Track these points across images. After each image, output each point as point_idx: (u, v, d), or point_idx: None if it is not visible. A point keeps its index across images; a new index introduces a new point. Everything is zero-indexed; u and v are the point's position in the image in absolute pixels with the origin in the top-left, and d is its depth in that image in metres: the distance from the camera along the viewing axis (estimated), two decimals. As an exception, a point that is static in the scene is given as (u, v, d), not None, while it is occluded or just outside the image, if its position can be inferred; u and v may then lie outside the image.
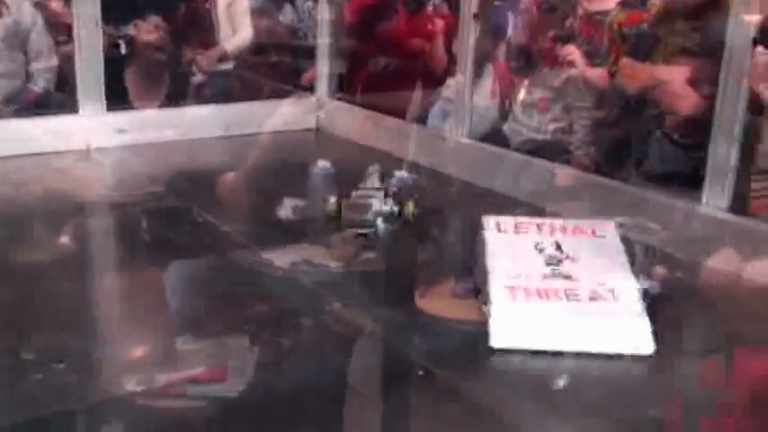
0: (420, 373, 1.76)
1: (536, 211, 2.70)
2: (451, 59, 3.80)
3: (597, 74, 3.51)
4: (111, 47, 4.15)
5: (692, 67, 3.01)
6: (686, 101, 2.94)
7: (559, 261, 1.89)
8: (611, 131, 3.47)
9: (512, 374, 1.77)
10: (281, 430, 1.56)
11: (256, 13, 5.06)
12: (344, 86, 4.10)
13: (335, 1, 4.02)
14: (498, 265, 1.92)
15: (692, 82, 2.95)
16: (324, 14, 4.00)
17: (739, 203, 2.45)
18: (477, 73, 3.53)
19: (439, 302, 2.07)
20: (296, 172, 3.18)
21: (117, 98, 3.62)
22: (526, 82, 3.80)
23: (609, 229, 2.07)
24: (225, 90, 4.62)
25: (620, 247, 2.00)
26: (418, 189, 2.82)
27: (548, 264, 1.89)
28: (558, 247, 1.94)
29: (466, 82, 3.23)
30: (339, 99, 3.93)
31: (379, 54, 4.50)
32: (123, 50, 4.39)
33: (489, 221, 2.14)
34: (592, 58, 3.57)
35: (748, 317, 2.08)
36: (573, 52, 3.57)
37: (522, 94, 3.79)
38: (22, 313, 1.97)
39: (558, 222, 2.08)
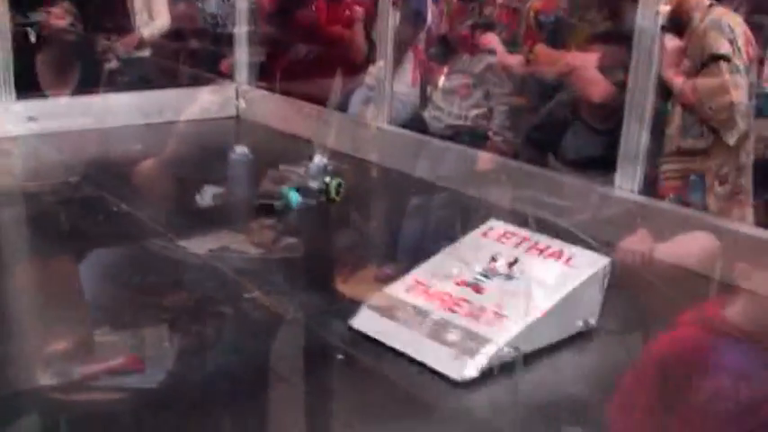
0: (340, 357, 1.77)
1: (456, 195, 2.74)
2: (372, 46, 3.80)
3: (515, 61, 3.57)
4: (20, 35, 4.02)
5: (603, 53, 3.07)
6: (598, 87, 3.01)
7: (494, 275, 1.83)
8: (529, 117, 3.53)
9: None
10: (200, 419, 1.55)
11: (174, -2, 4.96)
12: (265, 74, 4.06)
13: (254, -13, 3.98)
14: (439, 261, 1.92)
15: (604, 69, 3.02)
16: (241, 1, 3.96)
17: (650, 186, 2.52)
18: (398, 60, 3.55)
19: (361, 287, 2.08)
20: (216, 160, 3.13)
21: (29, 88, 3.52)
22: (446, 69, 3.83)
23: (587, 264, 1.84)
24: (141, 77, 4.53)
25: (577, 283, 1.80)
26: (339, 175, 2.82)
27: (481, 273, 1.85)
28: (512, 263, 1.85)
29: (386, 68, 3.24)
30: (259, 87, 3.90)
31: (299, 41, 4.47)
32: (33, 38, 4.26)
33: (486, 227, 2.00)
34: (510, 45, 3.62)
35: (658, 296, 2.14)
36: (492, 40, 3.62)
37: (442, 81, 3.83)
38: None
39: (544, 243, 1.90)
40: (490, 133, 3.62)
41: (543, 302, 1.75)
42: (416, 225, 2.73)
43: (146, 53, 4.79)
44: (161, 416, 1.54)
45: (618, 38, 2.94)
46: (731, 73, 2.60)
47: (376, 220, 2.86)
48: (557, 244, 1.90)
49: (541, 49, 3.33)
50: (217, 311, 1.97)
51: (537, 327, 1.73)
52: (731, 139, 2.63)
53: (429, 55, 3.95)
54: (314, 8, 4.62)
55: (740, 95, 2.60)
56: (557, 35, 3.42)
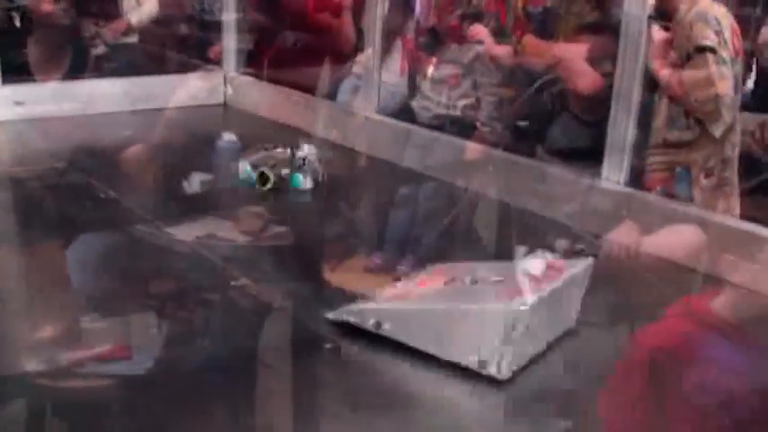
0: (328, 346, 1.77)
1: (444, 184, 2.74)
2: (360, 35, 3.79)
3: (504, 51, 3.56)
4: (4, 19, 3.99)
5: (591, 45, 3.07)
6: (586, 78, 3.01)
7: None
8: (517, 108, 3.53)
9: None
10: (187, 406, 1.55)
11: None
12: (253, 61, 4.04)
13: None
14: (434, 271, 1.94)
15: (592, 60, 3.02)
16: (230, -11, 3.94)
17: (637, 177, 2.53)
18: (386, 49, 3.54)
19: (349, 276, 2.08)
20: (203, 147, 3.12)
21: (14, 71, 3.49)
22: (435, 59, 3.82)
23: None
24: (129, 63, 4.49)
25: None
26: (325, 163, 2.82)
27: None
28: (473, 282, 1.86)
29: (374, 57, 3.23)
30: (247, 74, 3.88)
31: (287, 29, 4.45)
32: (17, 23, 4.22)
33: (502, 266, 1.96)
34: (498, 36, 3.61)
35: (643, 287, 2.15)
36: (480, 31, 3.61)
37: (431, 71, 3.82)
38: None
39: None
40: (478, 123, 3.62)
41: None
42: (404, 215, 2.73)
43: (133, 39, 4.74)
44: (147, 402, 1.54)
45: (605, 29, 2.95)
46: (717, 64, 2.60)
47: (363, 210, 2.86)
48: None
49: (530, 39, 3.33)
50: (204, 299, 1.97)
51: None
52: (717, 132, 2.63)
53: (418, 45, 3.94)
54: (302, -4, 4.59)
55: (725, 87, 2.61)
56: (545, 26, 3.41)
